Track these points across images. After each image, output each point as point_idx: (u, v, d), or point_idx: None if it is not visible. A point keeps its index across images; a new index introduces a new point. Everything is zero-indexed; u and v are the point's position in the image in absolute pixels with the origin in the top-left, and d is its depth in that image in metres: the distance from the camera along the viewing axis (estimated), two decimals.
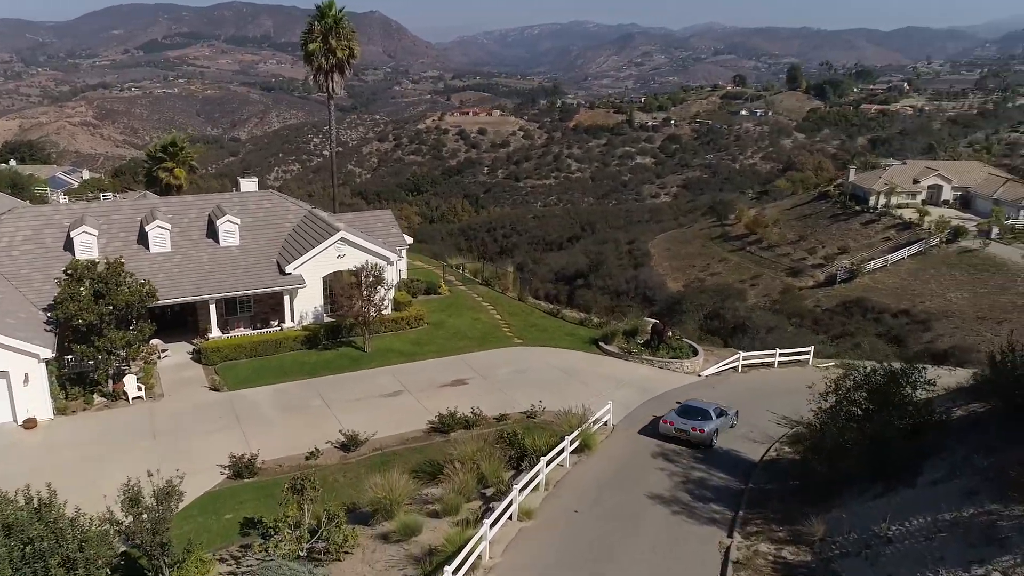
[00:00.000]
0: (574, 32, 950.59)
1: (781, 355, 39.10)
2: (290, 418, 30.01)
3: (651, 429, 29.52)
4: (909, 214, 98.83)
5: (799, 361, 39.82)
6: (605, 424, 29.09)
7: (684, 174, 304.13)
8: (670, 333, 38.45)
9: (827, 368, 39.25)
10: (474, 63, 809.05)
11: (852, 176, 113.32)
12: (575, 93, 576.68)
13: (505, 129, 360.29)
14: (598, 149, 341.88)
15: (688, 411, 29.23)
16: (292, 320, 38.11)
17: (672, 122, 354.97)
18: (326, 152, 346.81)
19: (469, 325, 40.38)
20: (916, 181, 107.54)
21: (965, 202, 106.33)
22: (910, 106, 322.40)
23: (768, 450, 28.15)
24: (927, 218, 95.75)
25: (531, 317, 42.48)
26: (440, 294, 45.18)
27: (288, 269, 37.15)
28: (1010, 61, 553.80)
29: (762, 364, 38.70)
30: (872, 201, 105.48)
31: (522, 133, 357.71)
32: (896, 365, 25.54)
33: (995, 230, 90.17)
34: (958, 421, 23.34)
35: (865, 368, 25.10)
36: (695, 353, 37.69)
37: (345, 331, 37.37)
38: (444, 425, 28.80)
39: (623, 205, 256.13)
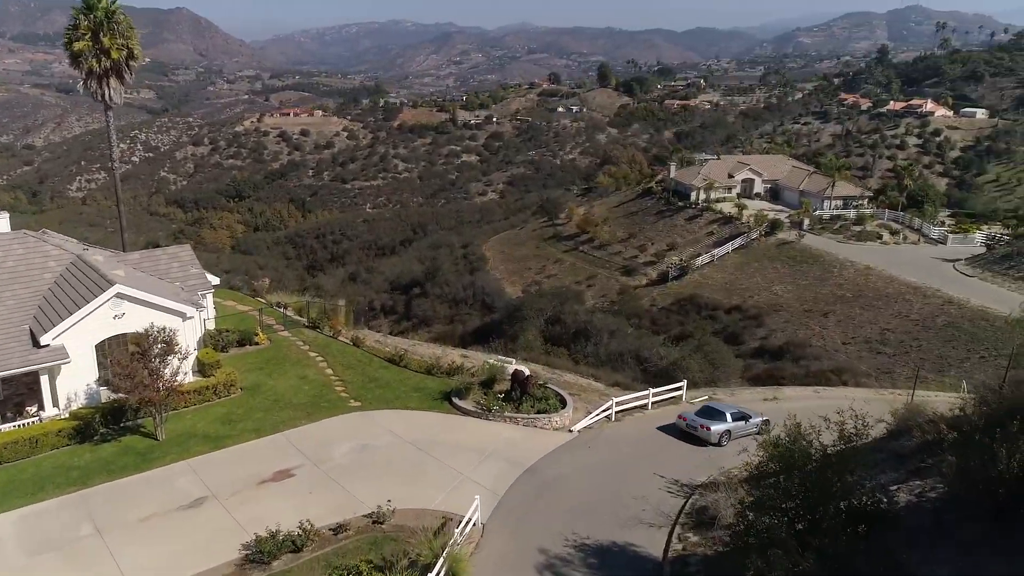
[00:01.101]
0: (393, 31, 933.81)
1: (655, 395, 34.08)
2: (44, 566, 20.96)
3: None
4: (728, 208, 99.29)
5: (672, 399, 35.06)
6: (474, 525, 22.50)
7: (509, 171, 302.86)
8: (532, 379, 32.23)
9: (699, 401, 34.74)
10: (292, 62, 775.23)
11: (673, 172, 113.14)
12: (398, 92, 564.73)
13: (329, 129, 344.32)
14: (424, 148, 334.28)
15: (706, 411, 30.85)
16: (55, 406, 28.34)
17: (494, 120, 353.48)
18: (135, 158, 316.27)
19: (294, 387, 32.31)
20: (731, 175, 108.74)
21: (774, 194, 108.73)
22: (707, 101, 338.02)
23: (670, 537, 22.63)
24: (746, 212, 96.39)
25: (369, 368, 34.89)
26: (258, 344, 36.65)
27: (45, 339, 27.44)
28: (784, 59, 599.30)
29: (638, 406, 33.54)
30: (693, 196, 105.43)
31: (346, 133, 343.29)
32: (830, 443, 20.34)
33: (806, 222, 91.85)
34: (909, 512, 18.65)
35: (784, 443, 20.02)
36: (563, 403, 31.76)
37: (131, 413, 28.19)
38: (263, 552, 21.05)
39: (453, 205, 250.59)
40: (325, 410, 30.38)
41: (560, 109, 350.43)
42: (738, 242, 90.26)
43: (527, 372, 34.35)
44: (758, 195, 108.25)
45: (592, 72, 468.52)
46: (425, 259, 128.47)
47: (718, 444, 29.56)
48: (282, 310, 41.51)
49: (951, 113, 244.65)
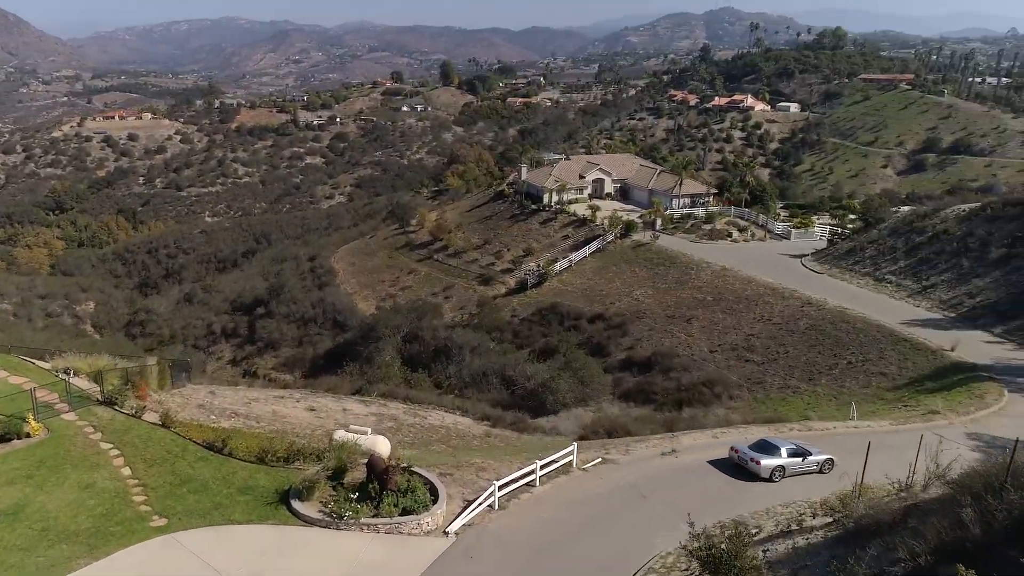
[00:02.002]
0: (226, 28, 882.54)
1: (542, 467, 27.92)
2: None
3: None
4: (582, 210, 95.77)
5: (562, 467, 29.12)
6: None
7: (356, 172, 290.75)
8: (393, 467, 25.03)
9: (593, 466, 29.09)
10: (117, 61, 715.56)
11: (525, 174, 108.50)
12: (234, 92, 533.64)
13: (160, 133, 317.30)
14: (265, 151, 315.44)
15: (761, 446, 29.30)
16: None
17: (338, 120, 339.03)
18: None
19: (74, 504, 23.57)
20: (582, 176, 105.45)
21: (624, 193, 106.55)
22: (548, 99, 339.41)
23: None
24: (599, 214, 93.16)
25: (182, 462, 26.54)
26: (29, 437, 27.41)
27: None
28: (615, 57, 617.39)
29: (525, 483, 27.28)
30: (546, 199, 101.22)
31: (180, 137, 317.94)
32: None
33: (659, 222, 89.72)
34: None
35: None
36: (434, 496, 24.91)
37: None
38: None
39: (298, 211, 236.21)
40: (116, 538, 22.00)
41: (405, 108, 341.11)
42: (594, 245, 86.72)
43: (388, 451, 27.36)
44: (609, 195, 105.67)
45: (434, 70, 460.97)
46: (269, 274, 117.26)
47: (769, 479, 28.12)
48: (68, 378, 32.02)
49: (769, 108, 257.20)
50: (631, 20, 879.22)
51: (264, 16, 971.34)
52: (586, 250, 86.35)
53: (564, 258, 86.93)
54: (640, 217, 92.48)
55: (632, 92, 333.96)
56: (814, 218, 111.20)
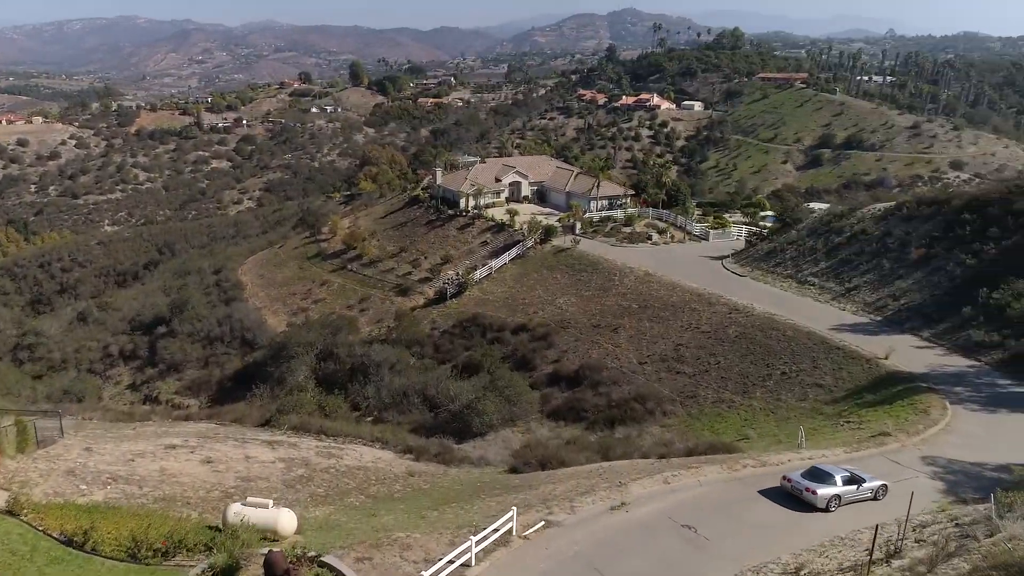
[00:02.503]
0: (123, 28, 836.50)
1: (478, 541, 23.44)
2: None
3: None
4: (500, 215, 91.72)
5: (501, 536, 24.77)
6: None
7: (265, 176, 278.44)
8: (296, 568, 20.15)
9: (536, 532, 24.90)
10: (5, 62, 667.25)
11: (440, 179, 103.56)
12: (134, 94, 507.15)
13: (52, 138, 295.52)
14: (168, 155, 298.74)
15: (814, 473, 27.79)
16: None
17: (244, 122, 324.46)
18: None
19: None
20: (498, 179, 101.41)
21: (542, 196, 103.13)
22: (460, 99, 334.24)
23: None
24: (518, 218, 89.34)
25: (29, 568, 20.98)
26: None
27: None
28: (523, 57, 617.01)
29: (459, 564, 22.76)
30: (463, 204, 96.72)
31: (75, 142, 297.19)
32: None
33: (579, 225, 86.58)
34: None
35: None
36: None
37: None
38: None
39: (205, 218, 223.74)
40: None
41: (314, 109, 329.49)
42: (514, 251, 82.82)
43: (293, 528, 22.48)
44: (526, 198, 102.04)
45: (343, 71, 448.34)
46: (171, 289, 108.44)
47: (826, 510, 26.68)
48: None
49: (674, 106, 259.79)
50: (538, 20, 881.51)
51: (163, 15, 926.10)
52: (506, 256, 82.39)
53: (484, 265, 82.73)
54: (559, 220, 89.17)
55: (542, 92, 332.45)
56: (727, 216, 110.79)
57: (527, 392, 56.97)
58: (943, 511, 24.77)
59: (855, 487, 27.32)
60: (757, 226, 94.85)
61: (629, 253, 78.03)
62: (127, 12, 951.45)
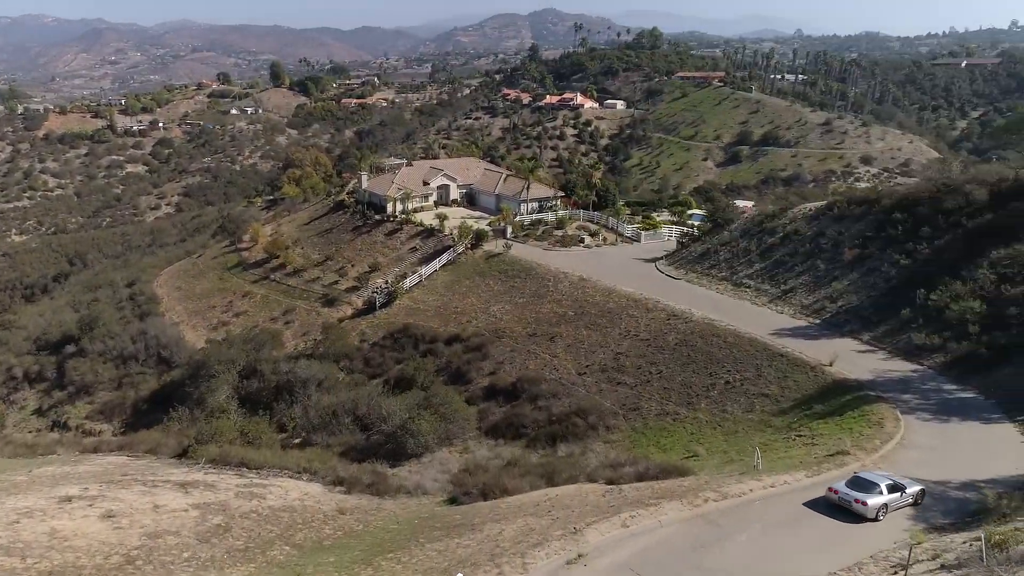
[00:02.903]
0: (29, 27, 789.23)
1: None
2: None
3: None
4: (429, 219, 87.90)
5: None
6: None
7: (184, 181, 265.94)
8: None
9: None
10: None
11: (366, 183, 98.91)
12: (42, 96, 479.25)
13: None
14: (79, 160, 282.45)
15: (858, 483, 27.18)
16: None
17: (161, 125, 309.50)
18: None
19: None
20: (426, 183, 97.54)
21: (471, 199, 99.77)
22: (384, 99, 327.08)
23: None
24: (447, 223, 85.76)
25: None
26: None
27: None
28: (447, 57, 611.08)
29: None
30: (390, 208, 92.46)
31: None
32: None
33: (509, 229, 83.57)
34: None
35: None
36: None
37: None
38: None
39: (120, 225, 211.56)
40: None
41: (234, 111, 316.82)
42: (445, 258, 79.26)
43: None
44: (455, 201, 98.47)
45: (264, 71, 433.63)
46: (81, 304, 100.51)
47: (875, 519, 26.35)
48: None
49: (597, 105, 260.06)
50: (460, 20, 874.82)
51: (73, 14, 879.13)
52: (436, 263, 78.76)
53: (414, 273, 78.89)
54: (490, 224, 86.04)
55: (467, 91, 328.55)
56: (656, 215, 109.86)
57: (463, 408, 53.67)
58: (919, 543, 22.68)
59: (899, 494, 27.14)
60: (686, 225, 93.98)
61: (562, 257, 75.53)
62: (32, 10, 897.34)
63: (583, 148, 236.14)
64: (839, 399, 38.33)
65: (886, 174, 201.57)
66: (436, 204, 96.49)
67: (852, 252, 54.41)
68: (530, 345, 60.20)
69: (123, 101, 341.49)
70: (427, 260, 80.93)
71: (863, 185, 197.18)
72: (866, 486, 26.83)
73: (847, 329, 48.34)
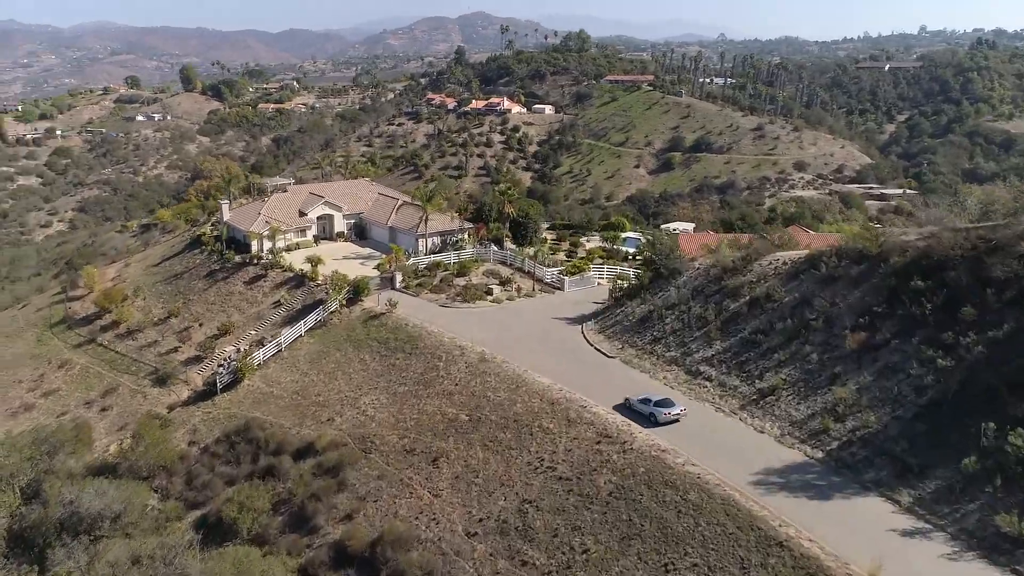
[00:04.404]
0: None
1: None
2: None
3: None
4: (301, 262, 67.09)
5: None
6: None
7: (79, 195, 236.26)
8: None
9: None
10: None
11: (227, 214, 77.22)
12: None
13: None
14: None
15: None
16: None
17: (59, 132, 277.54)
18: None
19: None
20: (303, 213, 76.55)
21: (360, 231, 79.22)
22: (303, 103, 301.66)
23: None
24: (322, 268, 65.22)
25: None
26: None
27: None
28: (376, 60, 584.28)
29: None
30: (255, 248, 71.39)
31: None
32: None
33: (399, 277, 63.43)
34: None
35: None
36: None
37: None
38: None
39: None
40: None
41: (140, 117, 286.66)
42: (312, 319, 58.79)
43: None
44: (341, 235, 77.88)
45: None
46: None
47: None
48: None
49: (525, 110, 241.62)
50: (389, 23, 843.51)
51: None
52: (302, 326, 58.23)
53: (273, 338, 58.28)
54: (378, 267, 65.96)
55: (391, 96, 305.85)
56: (584, 240, 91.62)
57: None
58: None
59: None
60: (618, 255, 76.06)
61: (462, 318, 55.98)
62: None
63: (511, 155, 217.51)
64: None
65: (820, 180, 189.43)
66: (316, 239, 75.78)
67: (857, 338, 36.43)
68: (405, 469, 40.49)
69: (19, 107, 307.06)
70: (293, 319, 60.38)
71: (800, 193, 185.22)
72: None
73: (871, 477, 30.14)
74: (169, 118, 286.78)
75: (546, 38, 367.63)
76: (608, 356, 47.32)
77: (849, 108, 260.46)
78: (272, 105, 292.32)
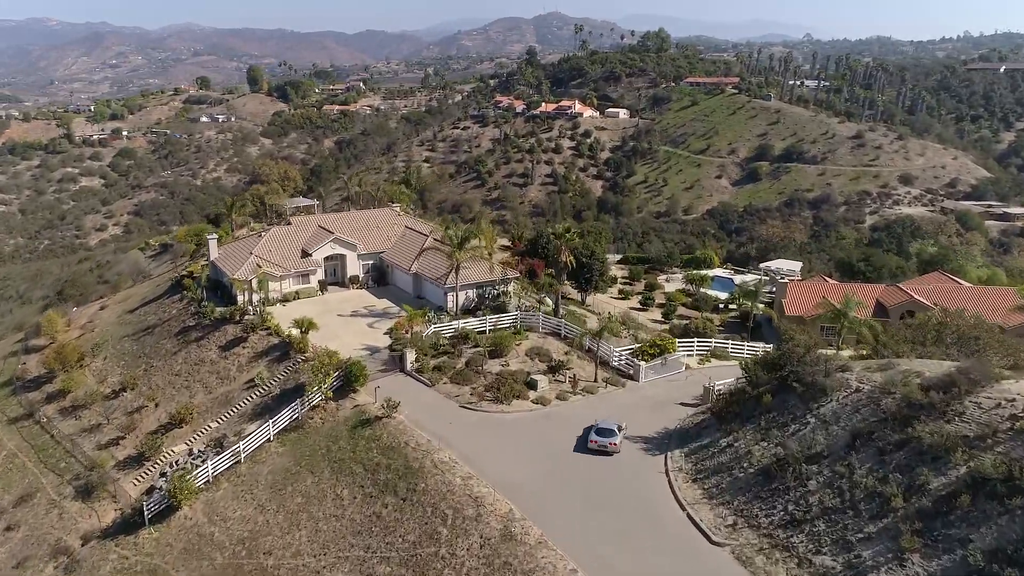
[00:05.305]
0: (33, 30, 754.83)
1: None
2: None
3: None
4: (289, 325, 50.28)
5: None
6: None
7: (136, 197, 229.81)
8: None
9: None
10: None
11: (215, 251, 61.16)
12: (35, 100, 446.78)
13: None
14: (30, 173, 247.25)
15: None
16: None
17: (125, 133, 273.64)
18: None
19: None
20: (307, 253, 59.78)
21: (380, 276, 61.85)
22: (368, 105, 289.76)
23: None
24: (312, 335, 48.33)
25: None
26: None
27: None
28: (448, 61, 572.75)
29: None
30: (240, 300, 55.10)
31: None
32: None
33: (411, 356, 45.70)
34: None
35: None
36: None
37: None
38: None
39: (49, 256, 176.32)
40: None
41: (204, 119, 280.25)
42: (286, 416, 41.77)
43: None
44: (355, 280, 60.85)
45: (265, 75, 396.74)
46: None
47: None
48: None
49: (598, 113, 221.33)
50: (465, 24, 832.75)
51: (78, 17, 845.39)
52: (271, 426, 41.29)
53: (236, 436, 41.69)
54: (390, 332, 48.70)
55: (458, 98, 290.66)
56: (663, 280, 72.64)
57: None
58: None
59: None
60: (707, 300, 56.99)
61: (488, 434, 37.84)
62: (37, 14, 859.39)
63: (581, 162, 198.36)
64: None
65: (930, 195, 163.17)
66: (323, 286, 59.05)
67: None
68: None
69: (92, 107, 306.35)
70: (268, 409, 43.67)
71: (907, 210, 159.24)
72: None
73: None
74: (233, 119, 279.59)
75: (622, 38, 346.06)
76: (712, 541, 28.33)
77: (959, 114, 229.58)
78: (337, 107, 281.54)
